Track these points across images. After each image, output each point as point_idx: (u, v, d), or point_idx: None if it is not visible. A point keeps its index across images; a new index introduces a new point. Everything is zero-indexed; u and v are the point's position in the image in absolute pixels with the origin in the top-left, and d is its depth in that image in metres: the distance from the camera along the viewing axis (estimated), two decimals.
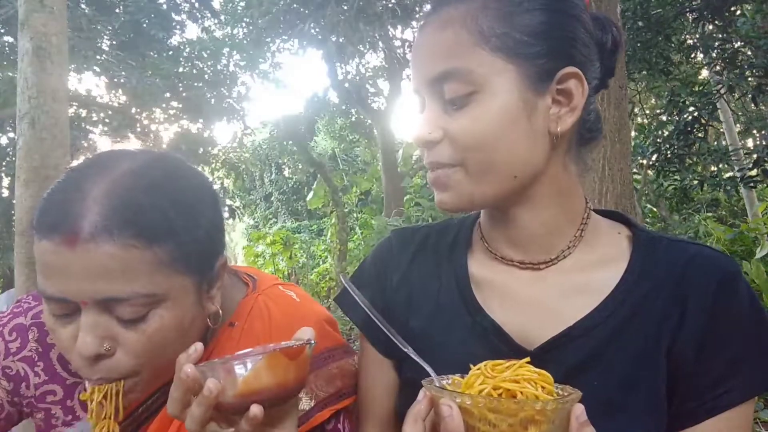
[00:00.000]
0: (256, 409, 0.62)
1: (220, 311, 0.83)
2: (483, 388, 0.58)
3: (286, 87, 12.98)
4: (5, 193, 9.41)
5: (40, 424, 0.87)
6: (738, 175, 5.61)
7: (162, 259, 0.70)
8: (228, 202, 12.48)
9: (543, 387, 0.58)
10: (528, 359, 0.61)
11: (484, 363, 0.61)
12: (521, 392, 0.57)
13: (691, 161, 5.84)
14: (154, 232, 0.70)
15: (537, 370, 0.59)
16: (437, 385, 0.62)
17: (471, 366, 0.62)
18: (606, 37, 0.75)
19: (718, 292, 0.70)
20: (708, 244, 0.84)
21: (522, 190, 0.73)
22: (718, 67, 5.90)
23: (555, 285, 0.76)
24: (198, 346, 0.67)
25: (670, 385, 0.70)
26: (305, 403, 0.84)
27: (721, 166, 6.27)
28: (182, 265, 0.73)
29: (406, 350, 0.69)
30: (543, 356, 0.71)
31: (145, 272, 0.69)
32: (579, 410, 0.56)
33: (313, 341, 0.69)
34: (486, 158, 0.70)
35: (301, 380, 0.67)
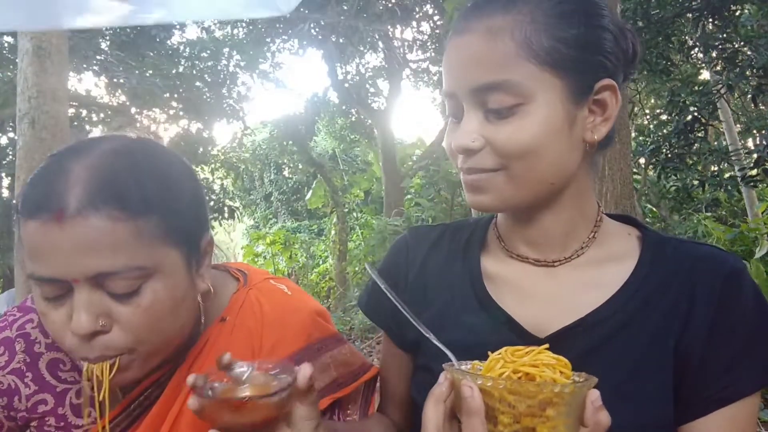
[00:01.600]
0: None
1: (212, 289, 0.84)
2: (503, 371, 0.60)
3: (286, 87, 12.95)
4: (5, 193, 9.42)
5: None
6: (738, 174, 5.62)
7: (148, 232, 0.72)
8: (228, 202, 12.46)
9: (561, 372, 0.60)
10: (547, 345, 0.63)
11: (504, 348, 0.63)
12: (540, 376, 0.59)
13: (691, 161, 5.85)
14: (138, 205, 0.71)
15: (555, 356, 0.61)
16: (458, 368, 0.63)
17: (489, 353, 0.64)
18: (627, 45, 0.77)
19: (725, 288, 0.73)
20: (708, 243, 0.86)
21: (552, 194, 0.76)
22: (718, 67, 5.90)
23: (568, 280, 0.79)
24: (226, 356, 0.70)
25: (678, 377, 0.72)
26: None
27: (721, 165, 6.27)
28: (169, 238, 0.74)
29: (428, 335, 0.71)
30: (553, 345, 0.74)
31: (132, 245, 0.71)
32: (594, 395, 0.58)
33: (281, 391, 0.65)
34: (529, 165, 0.72)
35: (248, 425, 0.66)
